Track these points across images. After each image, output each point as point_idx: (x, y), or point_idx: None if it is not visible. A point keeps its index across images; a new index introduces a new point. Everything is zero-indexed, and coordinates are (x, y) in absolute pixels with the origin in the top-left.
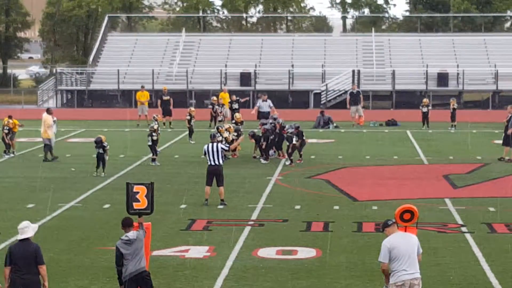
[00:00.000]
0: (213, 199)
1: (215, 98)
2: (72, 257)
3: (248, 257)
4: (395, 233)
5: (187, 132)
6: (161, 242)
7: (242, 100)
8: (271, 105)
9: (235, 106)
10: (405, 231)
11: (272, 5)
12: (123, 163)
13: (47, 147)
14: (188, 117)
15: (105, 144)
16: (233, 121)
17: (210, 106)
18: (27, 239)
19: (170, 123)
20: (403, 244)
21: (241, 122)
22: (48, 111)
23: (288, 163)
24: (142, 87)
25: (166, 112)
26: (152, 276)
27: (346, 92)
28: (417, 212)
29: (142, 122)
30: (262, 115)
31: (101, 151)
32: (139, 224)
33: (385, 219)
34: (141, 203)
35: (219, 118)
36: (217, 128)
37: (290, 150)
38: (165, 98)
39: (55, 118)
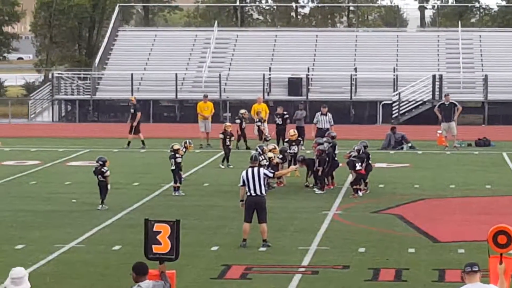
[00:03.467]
0: (253, 239)
1: (246, 112)
2: None
3: None
4: (474, 284)
5: (221, 153)
6: None
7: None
8: (331, 121)
9: (279, 121)
10: (501, 261)
11: None
12: (138, 193)
13: None
14: (222, 136)
15: (105, 169)
16: (286, 140)
17: (238, 121)
18: None
19: (129, 143)
20: None
21: (297, 141)
22: None
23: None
24: (205, 96)
25: (132, 129)
26: None
27: (424, 103)
28: None
29: (204, 141)
30: (319, 132)
31: (101, 178)
32: (160, 273)
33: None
34: (163, 246)
35: (266, 137)
36: (262, 149)
37: (352, 178)
38: (132, 111)
39: None
